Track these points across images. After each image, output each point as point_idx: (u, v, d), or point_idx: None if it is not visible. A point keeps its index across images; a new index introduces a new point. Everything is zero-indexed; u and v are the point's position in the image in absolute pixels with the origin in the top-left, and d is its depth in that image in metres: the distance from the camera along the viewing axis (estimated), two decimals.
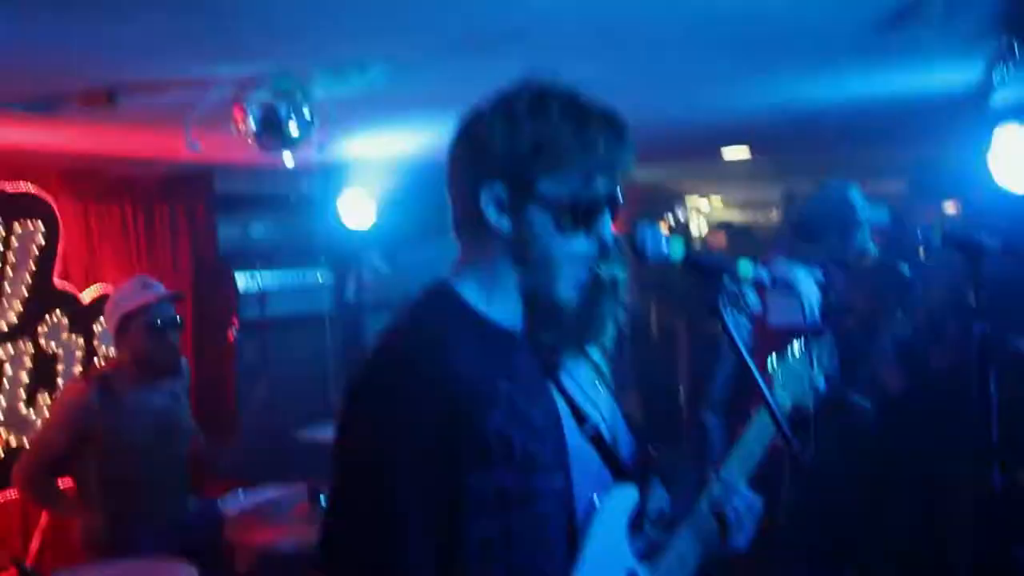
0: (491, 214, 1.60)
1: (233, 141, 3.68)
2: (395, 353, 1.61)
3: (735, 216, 13.15)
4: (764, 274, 1.80)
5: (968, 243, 2.75)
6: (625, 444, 2.53)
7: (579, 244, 1.64)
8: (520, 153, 1.59)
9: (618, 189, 1.67)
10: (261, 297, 5.94)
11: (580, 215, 1.62)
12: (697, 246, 8.73)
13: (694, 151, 7.32)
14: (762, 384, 1.77)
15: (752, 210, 13.19)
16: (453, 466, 1.54)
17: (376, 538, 1.53)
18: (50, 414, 3.88)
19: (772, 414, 1.79)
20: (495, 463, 1.59)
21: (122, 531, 3.64)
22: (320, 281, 6.24)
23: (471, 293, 1.68)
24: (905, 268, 3.91)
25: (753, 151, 7.40)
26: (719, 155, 7.44)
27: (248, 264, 5.98)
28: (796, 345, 2.25)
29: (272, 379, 5.94)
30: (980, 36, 3.42)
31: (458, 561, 1.58)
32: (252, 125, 3.44)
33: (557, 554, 1.74)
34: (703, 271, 1.78)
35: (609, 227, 1.68)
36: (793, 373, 2.24)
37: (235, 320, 4.12)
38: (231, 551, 3.35)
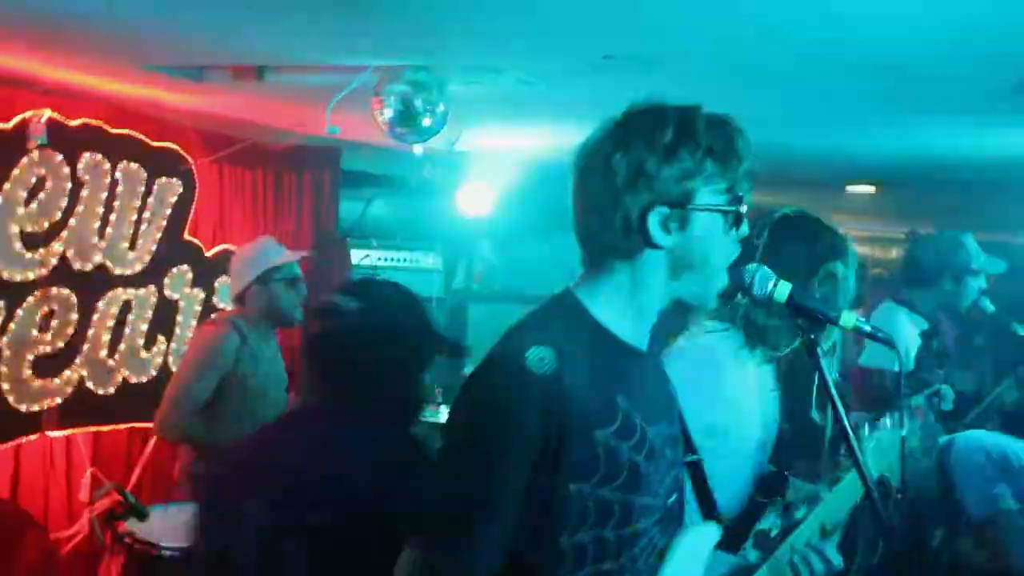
0: (658, 233, 1.68)
1: (366, 122, 3.84)
2: (513, 354, 1.67)
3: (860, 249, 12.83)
4: (865, 326, 1.81)
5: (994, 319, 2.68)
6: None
7: (730, 248, 1.74)
8: (681, 175, 1.66)
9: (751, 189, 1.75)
10: (372, 273, 6.12)
11: (733, 218, 1.72)
12: None
13: (820, 183, 7.22)
14: (853, 441, 1.79)
15: (873, 246, 12.88)
16: (554, 474, 1.62)
17: (456, 520, 1.64)
18: (192, 359, 3.95)
19: (862, 475, 1.79)
20: (600, 476, 1.66)
21: None
22: (431, 265, 6.38)
23: (598, 306, 1.75)
24: (1020, 328, 3.77)
25: (879, 188, 7.26)
26: (843, 189, 7.31)
27: (364, 240, 6.15)
28: (890, 418, 2.23)
29: None
30: None
31: (546, 565, 1.66)
32: (389, 115, 3.57)
33: (639, 570, 1.76)
34: (807, 315, 1.81)
35: (746, 226, 1.75)
36: (884, 444, 2.21)
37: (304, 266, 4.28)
38: None
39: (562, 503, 1.64)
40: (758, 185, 1.77)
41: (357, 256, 6.07)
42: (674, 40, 3.04)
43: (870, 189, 7.20)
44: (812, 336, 1.81)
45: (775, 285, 1.81)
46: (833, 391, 1.77)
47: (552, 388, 1.62)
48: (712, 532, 1.93)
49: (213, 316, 5.01)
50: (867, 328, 1.81)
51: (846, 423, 1.77)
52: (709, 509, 2.04)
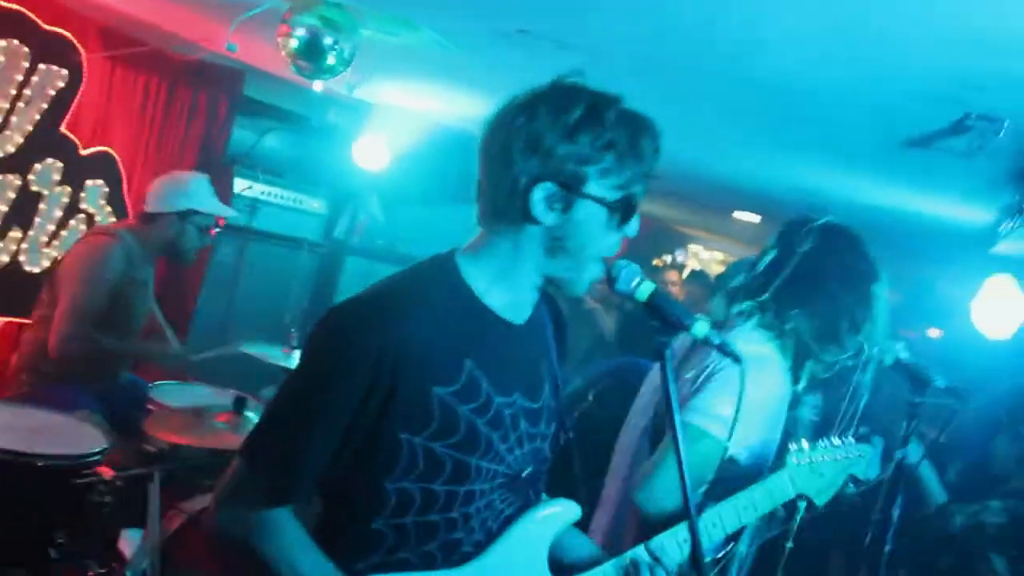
0: (539, 208, 1.71)
1: (273, 51, 3.73)
2: (375, 296, 1.74)
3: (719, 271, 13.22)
4: (715, 338, 1.86)
5: (917, 375, 2.84)
6: None
7: (611, 241, 1.78)
8: (577, 156, 1.70)
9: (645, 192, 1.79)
10: (253, 206, 5.97)
11: (621, 215, 1.75)
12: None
13: (708, 203, 7.40)
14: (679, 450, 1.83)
15: None
16: (383, 419, 1.68)
17: (278, 431, 1.73)
18: (84, 269, 3.79)
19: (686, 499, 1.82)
20: (434, 432, 1.71)
21: (60, 376, 3.75)
22: (315, 209, 6.26)
23: (474, 273, 1.80)
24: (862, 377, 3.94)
25: (764, 219, 7.48)
26: (730, 214, 7.51)
27: (251, 171, 6.00)
28: (827, 442, 2.33)
29: (239, 289, 6.00)
30: (998, 185, 3.50)
31: (369, 506, 1.73)
32: (293, 45, 3.49)
33: (473, 530, 1.82)
34: (662, 316, 1.85)
35: (635, 227, 1.80)
36: (819, 468, 2.31)
37: (220, 221, 4.17)
38: (143, 435, 3.40)
39: (390, 448, 1.69)
40: (652, 195, 1.81)
41: (240, 185, 5.90)
42: (588, 28, 3.04)
43: (755, 218, 7.40)
44: (664, 340, 1.83)
45: (639, 283, 1.83)
46: (673, 398, 1.79)
47: (395, 336, 1.66)
48: (568, 511, 1.97)
49: (99, 226, 4.86)
50: (716, 340, 1.85)
51: (677, 430, 1.80)
52: (567, 491, 2.07)
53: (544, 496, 2.00)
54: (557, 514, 1.96)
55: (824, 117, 3.46)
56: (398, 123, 6.32)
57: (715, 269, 12.94)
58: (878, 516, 2.82)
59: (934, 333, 8.11)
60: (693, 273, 9.57)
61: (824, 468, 2.31)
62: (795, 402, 2.76)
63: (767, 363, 2.47)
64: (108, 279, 3.80)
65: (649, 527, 2.20)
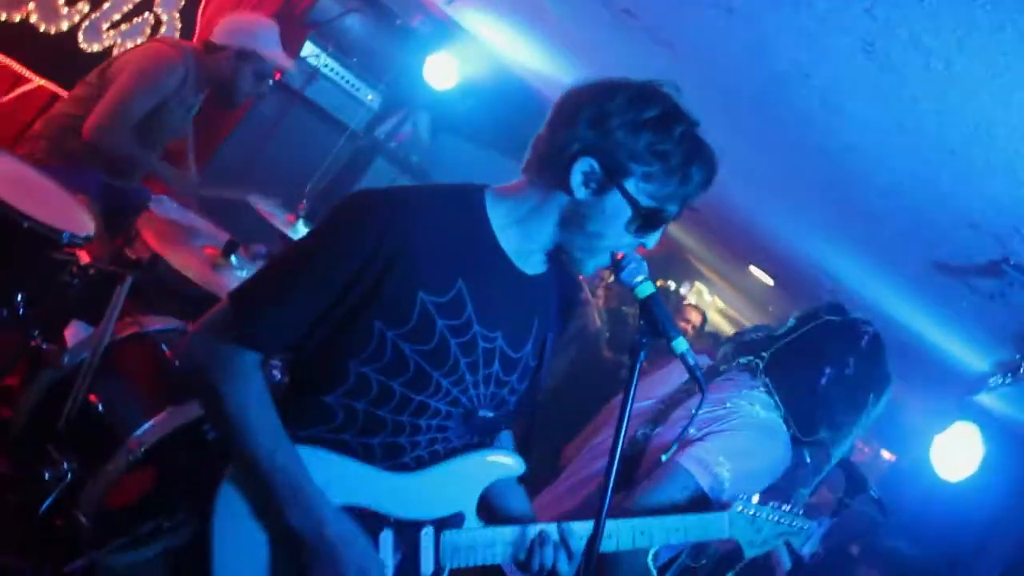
0: (576, 179, 1.78)
1: None
2: (398, 192, 1.81)
3: (720, 323, 13.28)
4: (690, 359, 1.90)
5: (855, 475, 2.90)
6: None
7: (626, 242, 1.83)
8: (631, 150, 1.75)
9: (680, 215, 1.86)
10: (312, 74, 5.96)
11: (646, 225, 1.81)
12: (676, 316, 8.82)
13: (731, 246, 7.42)
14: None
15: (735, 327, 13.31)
16: (366, 302, 1.75)
17: (268, 280, 1.81)
18: (141, 71, 3.81)
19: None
20: (408, 332, 1.78)
21: (79, 158, 3.79)
22: (368, 100, 6.25)
23: (497, 211, 1.87)
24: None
25: (777, 284, 7.51)
26: (747, 266, 7.53)
27: (323, 42, 5.98)
28: (777, 504, 2.38)
29: (268, 147, 6.00)
30: (1004, 339, 3.54)
31: (329, 378, 1.81)
32: None
33: (417, 443, 1.90)
34: (651, 318, 1.89)
35: (655, 241, 1.87)
36: (759, 522, 2.36)
37: (277, 74, 4.20)
38: (130, 238, 3.44)
39: (362, 332, 1.76)
40: (688, 220, 1.87)
41: (308, 50, 5.89)
42: (687, 30, 3.05)
43: (769, 280, 7.43)
44: (643, 340, 1.88)
45: (642, 280, 1.87)
46: (633, 386, 1.84)
47: (399, 232, 1.73)
48: (514, 464, 2.04)
49: (167, 36, 4.85)
50: (691, 361, 1.90)
51: (621, 428, 1.84)
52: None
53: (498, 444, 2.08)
54: (502, 463, 2.03)
55: (878, 213, 3.48)
56: (477, 56, 6.31)
57: (713, 317, 12.99)
58: None
59: (886, 455, 8.19)
60: (711, 334, 9.61)
61: (764, 525, 2.36)
62: None
63: (778, 432, 2.50)
64: (161, 89, 3.84)
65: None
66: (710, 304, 13.14)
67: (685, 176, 1.78)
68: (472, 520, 2.00)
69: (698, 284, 12.37)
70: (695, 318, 8.24)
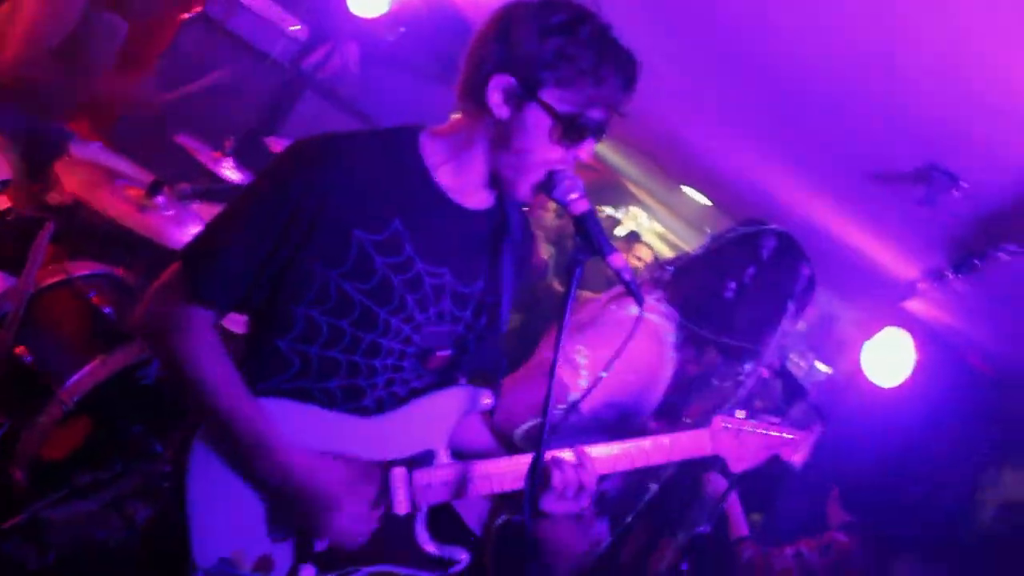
0: (495, 99, 1.76)
1: None
2: (330, 138, 1.81)
3: (660, 247, 13.38)
4: (625, 274, 1.89)
5: (792, 384, 2.96)
6: None
7: (555, 154, 1.81)
8: (540, 58, 1.73)
9: (607, 123, 1.83)
10: (233, 4, 5.74)
11: (569, 133, 1.78)
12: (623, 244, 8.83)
13: (666, 168, 7.43)
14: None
15: (675, 252, 13.39)
16: (304, 245, 1.75)
17: (211, 236, 1.82)
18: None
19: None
20: (348, 272, 1.78)
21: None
22: (290, 32, 6.07)
23: (432, 149, 1.86)
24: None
25: (715, 206, 7.55)
26: (679, 187, 7.56)
27: None
28: (762, 417, 2.42)
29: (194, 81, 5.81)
30: (933, 245, 3.61)
31: (278, 326, 1.82)
32: None
33: (376, 384, 1.90)
34: (586, 235, 1.87)
35: (588, 152, 1.84)
36: (739, 436, 2.39)
37: (197, 8, 4.04)
38: (51, 181, 3.31)
39: (303, 275, 1.77)
40: (610, 137, 1.86)
41: None
42: None
43: (705, 201, 7.47)
44: (580, 258, 1.86)
45: (577, 198, 1.86)
46: (568, 302, 1.82)
47: (330, 175, 1.74)
48: (479, 398, 2.03)
49: None
50: (627, 276, 1.89)
51: (558, 349, 1.84)
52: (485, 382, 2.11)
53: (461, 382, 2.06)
54: (467, 398, 2.02)
55: (807, 125, 3.49)
56: None
57: (651, 239, 13.07)
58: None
59: (822, 368, 8.39)
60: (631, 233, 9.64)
61: (748, 440, 2.39)
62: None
63: (657, 335, 2.53)
64: (73, 11, 3.60)
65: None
66: (648, 229, 13.21)
67: (598, 78, 1.75)
68: (444, 457, 1.99)
69: (634, 208, 12.41)
70: (645, 254, 8.27)
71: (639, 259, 7.97)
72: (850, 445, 5.35)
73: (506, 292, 2.01)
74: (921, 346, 4.75)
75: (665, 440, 2.23)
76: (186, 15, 4.01)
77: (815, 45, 2.68)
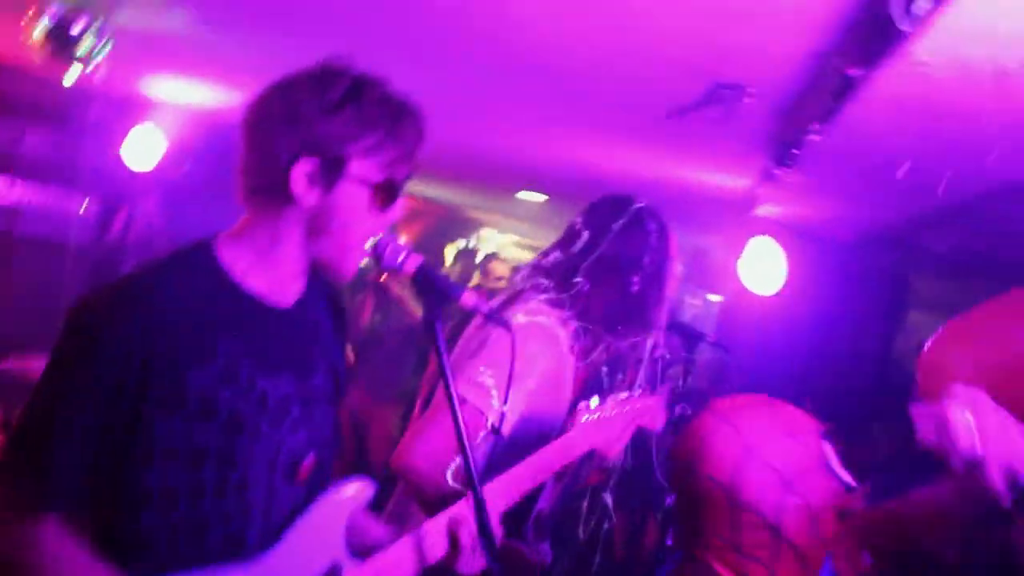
0: (300, 187, 1.69)
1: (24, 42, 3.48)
2: (118, 287, 1.66)
3: (521, 255, 13.45)
4: (483, 308, 1.89)
5: (688, 332, 3.02)
6: None
7: (374, 224, 1.77)
8: (339, 133, 1.68)
9: (411, 176, 1.80)
10: (13, 212, 5.55)
11: (383, 197, 1.74)
12: (479, 272, 8.80)
13: (494, 184, 7.50)
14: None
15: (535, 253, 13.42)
16: (136, 404, 1.61)
17: (33, 436, 1.63)
18: None
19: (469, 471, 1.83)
20: (191, 416, 1.65)
21: None
22: (84, 210, 5.89)
23: (232, 257, 1.75)
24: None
25: (551, 199, 7.63)
26: (514, 195, 7.62)
27: (10, 172, 5.56)
28: (614, 397, 2.43)
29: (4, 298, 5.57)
30: (752, 151, 3.74)
31: (133, 502, 1.64)
32: (42, 28, 3.25)
33: (254, 521, 1.76)
34: (431, 290, 1.85)
35: (401, 210, 1.80)
36: (602, 423, 2.39)
37: None
38: None
39: (147, 435, 1.62)
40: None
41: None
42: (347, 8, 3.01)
43: (541, 198, 7.55)
44: (433, 314, 1.84)
45: (404, 257, 1.84)
46: (445, 368, 1.81)
47: (140, 325, 1.60)
48: (362, 491, 1.92)
49: None
50: (484, 309, 1.89)
51: (452, 399, 1.82)
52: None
53: (333, 481, 1.97)
54: (350, 496, 1.92)
55: (585, 92, 3.57)
56: (169, 116, 6.01)
57: (512, 252, 13.14)
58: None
59: (714, 298, 8.57)
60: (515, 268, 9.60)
61: (612, 422, 2.41)
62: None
63: (547, 335, 2.53)
64: None
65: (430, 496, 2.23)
66: (505, 243, 13.28)
67: (397, 136, 1.74)
68: (351, 566, 1.90)
69: (483, 231, 12.47)
70: (502, 270, 8.25)
71: (499, 278, 7.93)
72: (763, 360, 5.49)
73: (343, 374, 1.96)
74: (789, 243, 4.93)
75: (543, 454, 2.24)
76: None
77: (553, 24, 2.75)
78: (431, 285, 1.84)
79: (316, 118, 1.68)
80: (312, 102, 1.69)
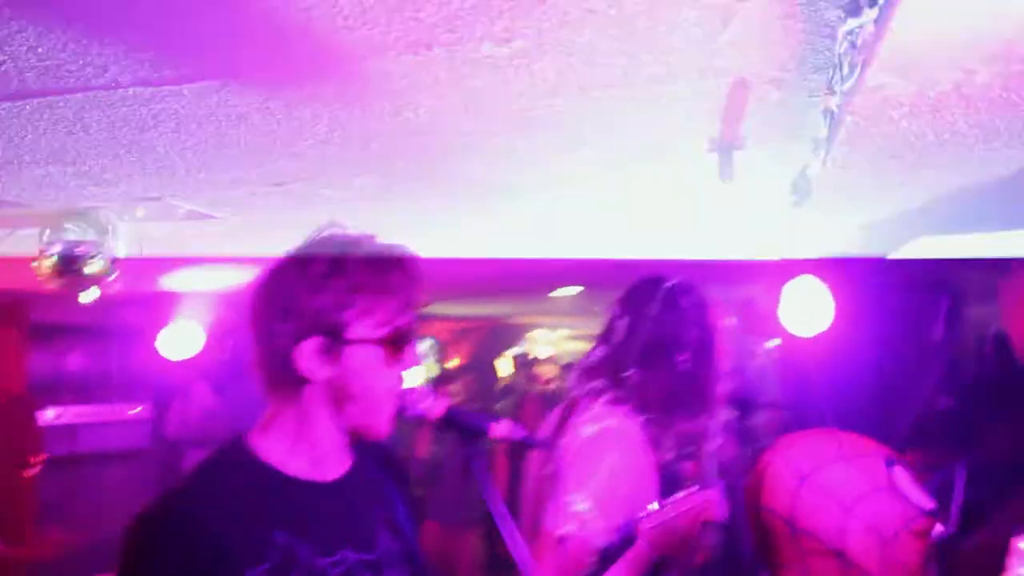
0: (309, 366, 1.69)
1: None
2: (165, 501, 1.67)
3: (577, 347, 13.38)
4: (515, 434, 1.85)
5: (740, 401, 2.94)
6: None
7: (394, 377, 1.76)
8: (332, 305, 1.69)
9: (416, 320, 1.80)
10: (72, 431, 5.65)
11: (393, 349, 1.74)
12: (530, 376, 8.74)
13: (526, 295, 7.49)
14: None
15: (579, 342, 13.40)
16: None
17: None
18: None
19: None
20: None
21: None
22: (134, 415, 5.99)
23: (269, 448, 1.75)
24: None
25: (585, 287, 7.61)
26: (550, 297, 7.62)
27: (58, 397, 5.69)
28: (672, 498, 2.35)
29: (79, 517, 5.61)
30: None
31: None
32: (51, 264, 3.36)
33: None
34: (459, 431, 1.83)
35: (418, 355, 1.80)
36: (667, 527, 2.33)
37: (33, 459, 3.92)
38: None
39: None
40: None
41: (52, 414, 5.59)
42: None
43: (574, 291, 7.55)
44: (471, 451, 1.82)
45: (431, 403, 1.82)
46: (492, 498, 1.77)
47: (192, 535, 1.60)
48: None
49: None
50: (518, 438, 1.85)
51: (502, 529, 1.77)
52: None
53: None
54: None
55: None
56: (202, 305, 6.14)
57: (568, 346, 13.07)
58: None
59: (773, 343, 8.39)
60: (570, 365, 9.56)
61: (675, 525, 2.32)
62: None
63: (620, 437, 2.46)
64: None
65: None
66: (556, 339, 13.25)
67: (388, 290, 1.75)
68: None
69: (531, 334, 12.48)
70: (550, 372, 8.22)
71: (547, 381, 7.87)
72: (836, 389, 5.30)
73: (411, 525, 1.93)
74: (825, 271, 4.83)
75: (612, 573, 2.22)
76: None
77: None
78: (462, 426, 1.81)
79: (306, 298, 1.70)
80: (299, 284, 1.71)
